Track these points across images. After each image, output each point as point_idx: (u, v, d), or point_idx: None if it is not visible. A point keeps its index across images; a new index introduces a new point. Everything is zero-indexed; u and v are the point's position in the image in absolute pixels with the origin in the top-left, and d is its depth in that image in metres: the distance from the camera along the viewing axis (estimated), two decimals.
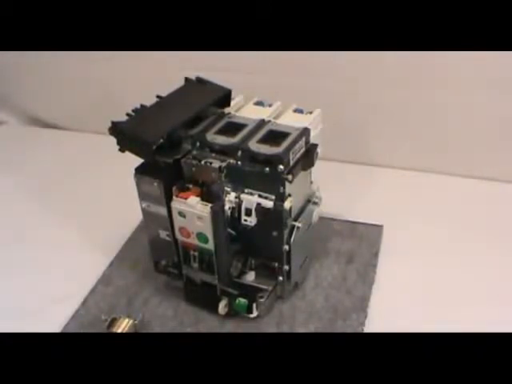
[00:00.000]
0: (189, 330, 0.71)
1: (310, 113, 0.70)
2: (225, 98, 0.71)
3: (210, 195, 0.64)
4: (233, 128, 0.67)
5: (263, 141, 0.64)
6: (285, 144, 0.63)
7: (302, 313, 0.73)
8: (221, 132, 0.66)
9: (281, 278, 0.71)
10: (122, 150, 0.64)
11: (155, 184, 0.64)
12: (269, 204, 0.64)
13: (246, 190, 0.65)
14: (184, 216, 0.65)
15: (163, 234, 0.70)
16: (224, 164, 0.63)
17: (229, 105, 0.71)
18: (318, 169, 0.69)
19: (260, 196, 0.65)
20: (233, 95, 0.71)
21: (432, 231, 0.85)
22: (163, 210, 0.67)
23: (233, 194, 0.65)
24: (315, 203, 0.73)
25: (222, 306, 0.71)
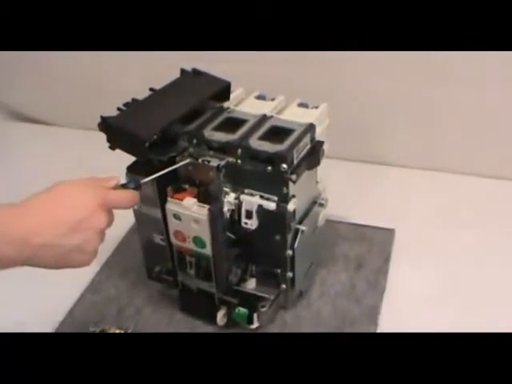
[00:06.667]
0: None
1: (316, 107, 0.72)
2: (224, 91, 0.71)
3: (207, 196, 0.65)
4: (232, 124, 0.68)
5: (265, 138, 0.65)
6: (288, 141, 0.64)
7: (307, 323, 0.74)
8: (219, 128, 0.67)
9: (284, 286, 0.72)
10: (112, 147, 0.65)
11: (148, 184, 0.65)
12: (271, 206, 0.65)
13: (246, 191, 0.66)
14: (179, 219, 0.66)
15: (157, 239, 0.72)
16: (223, 162, 0.64)
17: (228, 98, 0.72)
18: (324, 168, 0.70)
19: (261, 197, 0.66)
20: (232, 88, 0.72)
21: (447, 235, 0.86)
22: (157, 213, 0.68)
23: (232, 195, 0.66)
24: (321, 205, 0.74)
25: (221, 316, 0.72)
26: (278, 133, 0.66)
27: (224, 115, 0.69)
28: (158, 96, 0.70)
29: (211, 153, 0.65)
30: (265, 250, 0.69)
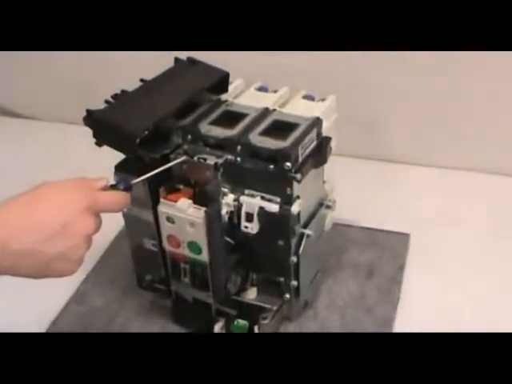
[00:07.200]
0: None
1: (323, 100, 0.71)
2: (222, 82, 0.71)
3: (203, 197, 0.65)
4: (231, 118, 0.67)
5: (267, 133, 0.65)
6: (292, 137, 0.64)
7: None
8: (217, 123, 0.67)
9: (288, 296, 0.72)
10: (99, 143, 0.65)
11: (139, 184, 0.65)
12: (273, 208, 0.65)
13: (246, 192, 0.66)
14: (173, 222, 0.65)
15: (148, 244, 0.71)
16: (220, 160, 0.64)
17: (226, 90, 0.72)
18: (332, 166, 0.70)
19: (263, 198, 0.65)
20: (231, 79, 0.72)
21: (468, 240, 0.86)
22: (148, 215, 0.68)
23: (231, 196, 0.66)
24: (328, 207, 0.74)
25: (218, 329, 0.72)
26: (281, 128, 0.65)
27: (222, 108, 0.69)
28: (149, 87, 0.69)
29: (208, 150, 0.65)
30: (267, 256, 0.69)
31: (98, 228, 0.56)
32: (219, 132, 0.65)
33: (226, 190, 0.66)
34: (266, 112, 0.68)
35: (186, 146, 0.66)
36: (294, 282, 0.71)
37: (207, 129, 0.66)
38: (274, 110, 0.69)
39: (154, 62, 0.70)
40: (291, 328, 0.75)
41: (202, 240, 0.65)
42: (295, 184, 0.64)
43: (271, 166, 0.63)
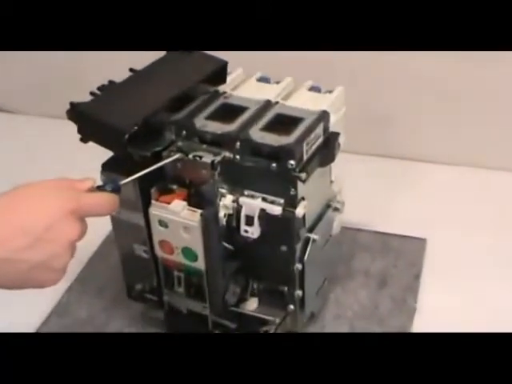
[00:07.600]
0: None
1: (330, 92, 0.71)
2: (219, 72, 0.71)
3: (199, 199, 0.64)
4: (229, 111, 0.67)
5: (269, 128, 0.64)
6: (297, 132, 0.63)
7: None
8: (214, 117, 0.66)
9: (292, 307, 0.71)
10: (84, 139, 0.65)
11: (129, 185, 0.64)
12: (276, 210, 0.64)
13: (246, 192, 0.65)
14: (166, 226, 0.65)
15: (139, 250, 0.71)
16: (218, 158, 0.63)
17: (224, 81, 0.71)
18: (340, 164, 0.69)
19: (264, 200, 0.65)
20: (230, 69, 0.72)
21: (490, 246, 0.85)
22: (139, 219, 0.67)
23: (229, 198, 0.65)
24: (336, 209, 0.73)
25: None
26: (284, 122, 0.65)
27: (219, 101, 0.69)
28: (139, 78, 0.69)
29: (204, 147, 0.64)
30: (269, 263, 0.68)
31: (83, 234, 0.55)
32: (216, 127, 0.64)
33: (223, 190, 0.65)
34: (267, 105, 0.68)
35: (179, 143, 0.65)
36: (299, 292, 0.70)
37: (203, 124, 0.65)
38: (277, 102, 0.69)
39: (147, 60, 0.69)
40: None
41: (197, 246, 0.64)
42: (300, 184, 0.63)
43: (273, 165, 0.62)
